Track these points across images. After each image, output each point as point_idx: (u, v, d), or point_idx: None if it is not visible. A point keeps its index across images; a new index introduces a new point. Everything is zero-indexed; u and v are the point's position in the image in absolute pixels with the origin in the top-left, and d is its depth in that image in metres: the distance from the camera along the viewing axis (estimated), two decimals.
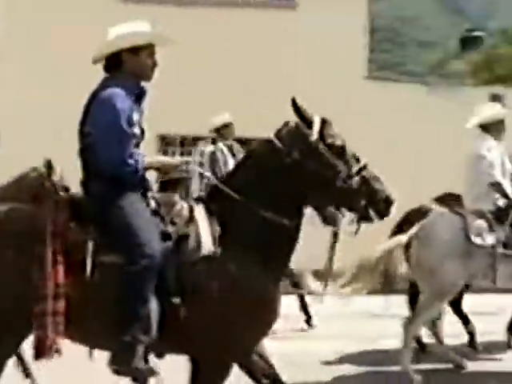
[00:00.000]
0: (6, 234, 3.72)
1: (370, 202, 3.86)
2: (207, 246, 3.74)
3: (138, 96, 3.97)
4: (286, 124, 3.93)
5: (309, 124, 3.87)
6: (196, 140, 11.71)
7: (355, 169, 3.85)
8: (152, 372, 3.76)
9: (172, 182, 4.58)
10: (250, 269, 3.73)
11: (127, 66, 3.90)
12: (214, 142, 8.70)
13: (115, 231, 3.75)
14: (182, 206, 3.91)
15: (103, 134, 3.75)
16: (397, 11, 72.26)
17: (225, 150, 8.24)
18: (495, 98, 13.19)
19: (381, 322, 7.90)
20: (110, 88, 3.84)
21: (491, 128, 6.68)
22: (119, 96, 3.78)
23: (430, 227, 6.32)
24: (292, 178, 3.83)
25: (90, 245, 3.69)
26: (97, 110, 3.82)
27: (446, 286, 6.39)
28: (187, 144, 12.60)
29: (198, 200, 4.02)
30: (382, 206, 3.89)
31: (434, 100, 12.44)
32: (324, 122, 3.92)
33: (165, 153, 12.34)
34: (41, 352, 3.68)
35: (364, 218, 3.90)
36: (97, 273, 3.69)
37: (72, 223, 3.77)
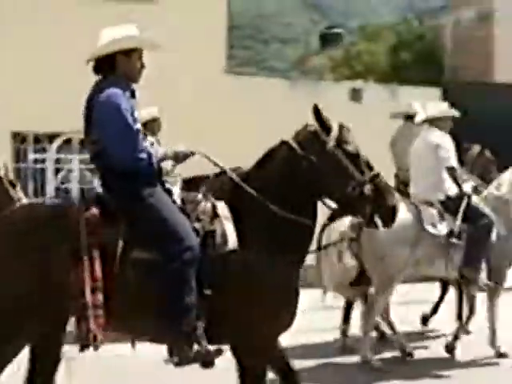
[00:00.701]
0: (41, 230, 3.90)
1: (378, 209, 4.07)
2: (232, 241, 3.99)
3: (131, 95, 4.13)
4: (305, 128, 4.18)
5: (327, 130, 4.11)
6: (52, 137, 11.25)
7: (368, 176, 4.07)
8: (220, 352, 3.97)
9: (195, 180, 4.63)
10: (274, 262, 3.96)
11: (120, 68, 4.07)
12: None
13: (149, 227, 3.94)
14: (206, 203, 4.13)
15: (114, 135, 3.90)
16: (258, 8, 72.94)
17: (155, 143, 8.16)
18: (355, 93, 13.46)
19: (319, 315, 7.98)
20: (109, 90, 3.98)
21: (438, 124, 7.01)
22: (120, 96, 3.95)
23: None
24: (309, 181, 4.08)
25: (121, 243, 3.89)
26: (101, 113, 3.95)
27: (394, 272, 6.62)
28: (42, 141, 12.06)
29: (220, 198, 4.19)
30: (389, 214, 4.09)
31: (294, 95, 12.49)
32: (342, 129, 4.15)
33: (18, 151, 11.78)
34: (85, 344, 3.89)
35: (369, 224, 4.14)
36: (131, 268, 3.87)
37: (104, 221, 3.93)
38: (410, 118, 8.21)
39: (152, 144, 7.88)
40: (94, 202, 4.04)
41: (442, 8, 22.55)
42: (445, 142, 6.89)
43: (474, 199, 6.95)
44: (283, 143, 4.18)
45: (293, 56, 51.18)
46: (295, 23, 73.03)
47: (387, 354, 7.15)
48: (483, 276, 6.79)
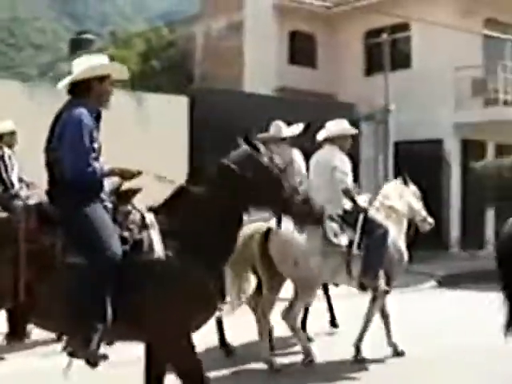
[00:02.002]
0: None
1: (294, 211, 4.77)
2: (158, 249, 4.45)
3: (97, 117, 4.68)
4: (236, 150, 4.83)
5: (258, 150, 4.79)
6: None
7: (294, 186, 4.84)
8: (105, 357, 4.36)
9: (127, 193, 4.84)
10: (193, 268, 4.44)
11: (94, 92, 4.65)
12: None
13: (80, 235, 4.41)
14: (136, 214, 4.63)
15: (70, 146, 4.43)
16: (11, 12, 70.03)
17: (12, 156, 8.08)
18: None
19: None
20: (76, 108, 4.52)
21: (338, 142, 7.45)
22: (85, 114, 4.50)
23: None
24: (244, 194, 4.67)
25: (59, 246, 4.37)
26: (64, 126, 4.48)
27: (311, 279, 7.11)
28: None
29: (150, 210, 4.70)
30: (304, 217, 4.82)
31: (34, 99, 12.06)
32: (267, 148, 4.91)
33: None
34: (12, 336, 4.87)
35: (296, 223, 4.99)
36: (62, 271, 4.33)
37: (41, 228, 4.41)
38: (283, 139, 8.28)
39: (9, 157, 8.06)
40: (36, 210, 4.49)
41: (194, 17, 22.37)
42: (343, 163, 7.32)
43: (370, 211, 7.37)
44: (221, 163, 4.74)
45: (43, 62, 49.47)
46: (49, 29, 70.98)
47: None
48: (382, 282, 7.25)
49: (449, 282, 13.33)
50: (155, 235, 4.49)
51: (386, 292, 7.36)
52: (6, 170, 7.93)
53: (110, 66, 4.84)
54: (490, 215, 18.39)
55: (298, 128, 8.25)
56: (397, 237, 7.47)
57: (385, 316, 7.56)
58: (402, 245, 7.55)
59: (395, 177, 10.65)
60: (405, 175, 7.96)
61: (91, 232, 4.37)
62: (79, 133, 4.42)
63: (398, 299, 8.84)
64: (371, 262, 7.05)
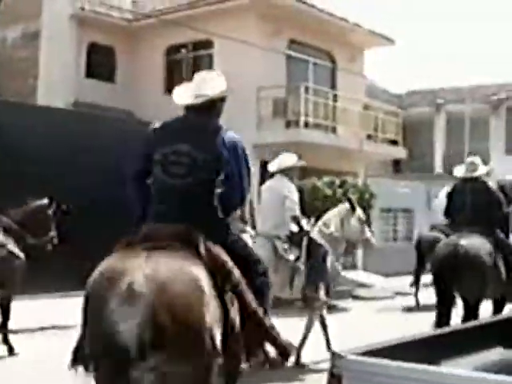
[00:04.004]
0: None
1: None
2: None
3: None
4: None
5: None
6: None
7: None
8: None
9: None
10: None
11: None
12: None
13: None
14: None
15: None
16: None
17: None
18: None
19: None
20: None
21: (288, 173, 8.36)
22: None
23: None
24: None
25: None
26: None
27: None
28: None
29: None
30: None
31: None
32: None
33: None
34: None
35: None
36: None
37: None
38: None
39: None
40: None
41: None
42: (292, 193, 8.20)
43: (313, 233, 8.38)
44: None
45: None
46: None
47: None
48: (322, 294, 8.16)
49: None
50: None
51: (325, 303, 8.35)
52: None
53: None
54: None
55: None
56: (334, 258, 8.50)
57: (324, 325, 8.32)
58: (339, 264, 8.74)
59: None
60: (352, 200, 9.03)
61: None
62: None
63: None
64: (313, 277, 8.08)
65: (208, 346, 3.65)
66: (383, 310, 13.11)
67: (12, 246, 8.30)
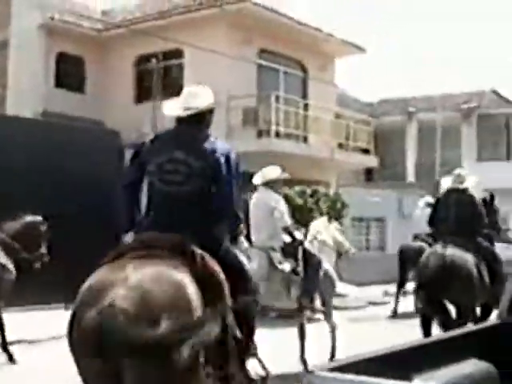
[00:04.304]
0: None
1: None
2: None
3: None
4: None
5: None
6: None
7: None
8: None
9: None
10: None
11: None
12: None
13: None
14: None
15: None
16: None
17: None
18: None
19: None
20: None
21: (273, 185, 8.42)
22: None
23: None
24: None
25: None
26: None
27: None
28: None
29: None
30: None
31: None
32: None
33: None
34: None
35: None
36: None
37: None
38: None
39: None
40: None
41: None
42: (279, 204, 8.31)
43: (306, 244, 8.58)
44: None
45: None
46: None
47: None
48: (318, 303, 8.50)
49: None
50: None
51: (321, 312, 8.64)
52: None
53: None
54: None
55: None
56: (328, 266, 8.75)
57: (302, 334, 8.34)
58: (333, 272, 8.88)
59: None
60: (330, 213, 10.03)
61: None
62: None
63: None
64: (308, 286, 8.23)
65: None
66: (356, 320, 13.05)
67: (3, 259, 8.38)
